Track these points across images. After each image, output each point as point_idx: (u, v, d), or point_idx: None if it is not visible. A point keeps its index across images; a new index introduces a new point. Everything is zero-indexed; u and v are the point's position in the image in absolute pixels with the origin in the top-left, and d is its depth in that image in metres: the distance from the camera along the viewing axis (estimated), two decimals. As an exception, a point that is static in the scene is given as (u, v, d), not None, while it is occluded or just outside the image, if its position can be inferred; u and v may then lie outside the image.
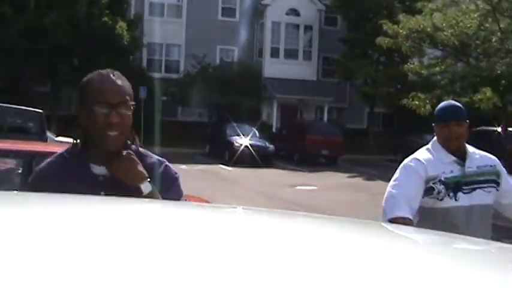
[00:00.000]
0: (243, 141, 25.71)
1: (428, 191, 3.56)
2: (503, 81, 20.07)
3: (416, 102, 21.58)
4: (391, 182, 3.61)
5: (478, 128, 23.18)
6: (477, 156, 3.72)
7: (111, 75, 2.32)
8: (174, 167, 2.55)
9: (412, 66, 23.63)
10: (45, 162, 2.42)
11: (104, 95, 2.27)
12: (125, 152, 2.33)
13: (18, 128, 14.27)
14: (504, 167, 3.86)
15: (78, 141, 2.41)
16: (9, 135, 10.68)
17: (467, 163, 3.64)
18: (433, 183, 3.56)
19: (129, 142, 2.40)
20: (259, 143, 26.13)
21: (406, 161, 3.68)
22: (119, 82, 2.32)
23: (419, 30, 21.22)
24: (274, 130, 32.83)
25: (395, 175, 3.63)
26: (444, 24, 20.71)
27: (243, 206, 1.71)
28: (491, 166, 3.72)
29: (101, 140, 2.29)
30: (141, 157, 2.40)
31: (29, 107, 15.25)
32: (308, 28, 37.68)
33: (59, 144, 9.91)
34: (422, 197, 3.55)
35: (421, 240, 1.56)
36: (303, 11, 37.02)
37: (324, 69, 38.00)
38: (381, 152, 29.94)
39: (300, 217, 1.90)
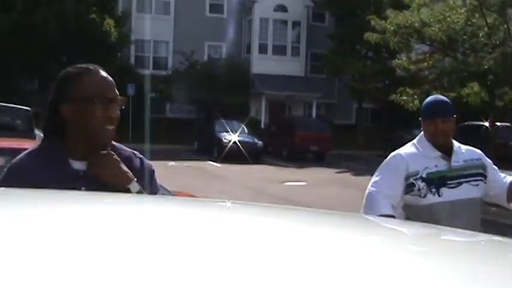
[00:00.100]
0: (231, 137, 25.71)
1: (409, 188, 3.54)
2: (491, 76, 20.14)
3: (405, 98, 21.63)
4: (372, 179, 3.60)
5: (465, 123, 23.34)
6: (463, 150, 3.71)
7: (102, 70, 2.32)
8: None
9: (400, 61, 23.71)
10: (18, 157, 2.33)
11: (103, 89, 2.27)
12: (106, 151, 2.30)
13: (7, 125, 14.18)
14: (494, 163, 3.86)
15: (45, 137, 2.35)
16: (-3, 133, 10.61)
17: (454, 157, 3.62)
18: (413, 180, 3.53)
19: None
20: (247, 139, 26.13)
21: (388, 156, 3.67)
22: (109, 77, 2.32)
23: (407, 26, 21.25)
24: (262, 126, 32.80)
25: (376, 172, 3.62)
26: (431, 20, 20.76)
27: (232, 201, 1.71)
28: (477, 159, 3.72)
29: (99, 135, 2.27)
30: (116, 150, 2.36)
31: (17, 104, 15.17)
32: (296, 24, 37.69)
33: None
34: (404, 194, 3.53)
35: (406, 231, 1.57)
36: (291, 7, 37.00)
37: (312, 65, 38.02)
38: (369, 148, 29.99)
39: (288, 210, 1.91)
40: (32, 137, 13.26)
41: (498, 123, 22.91)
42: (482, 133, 23.44)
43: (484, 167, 3.72)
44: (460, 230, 1.75)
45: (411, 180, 3.53)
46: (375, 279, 0.91)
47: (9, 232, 1.04)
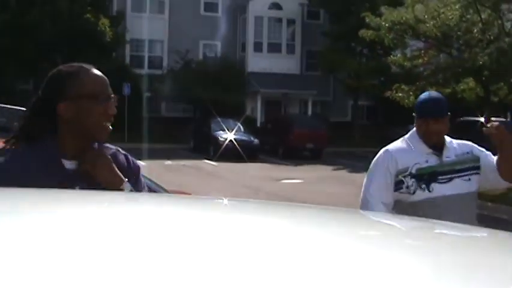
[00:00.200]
0: (227, 135, 25.71)
1: (398, 185, 3.50)
2: (486, 72, 20.13)
3: (400, 94, 21.61)
4: (364, 181, 3.58)
5: (461, 119, 23.34)
6: (455, 145, 3.66)
7: (95, 69, 2.33)
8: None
9: (395, 58, 23.68)
10: (6, 155, 2.26)
11: (102, 87, 2.28)
12: (96, 148, 2.31)
13: (2, 127, 14.14)
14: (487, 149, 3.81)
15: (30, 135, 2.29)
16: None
17: (445, 153, 3.58)
18: (402, 177, 3.49)
19: None
20: (243, 138, 26.13)
21: (378, 153, 3.63)
22: (103, 75, 2.33)
23: (402, 23, 21.22)
24: (258, 124, 32.81)
25: (368, 172, 3.61)
26: (426, 16, 20.74)
27: (229, 198, 1.72)
28: (468, 153, 3.66)
29: (99, 132, 2.27)
30: (102, 148, 2.35)
31: (12, 105, 15.13)
32: (291, 22, 37.67)
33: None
34: (394, 191, 3.50)
35: (399, 224, 1.58)
36: (285, 5, 36.99)
37: (307, 62, 38.02)
38: (365, 144, 29.95)
39: (284, 207, 1.91)
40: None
41: (493, 119, 22.87)
42: (478, 129, 23.45)
43: (476, 158, 3.67)
44: (453, 223, 1.76)
45: (400, 177, 3.50)
46: (372, 275, 0.91)
47: (5, 232, 1.04)
